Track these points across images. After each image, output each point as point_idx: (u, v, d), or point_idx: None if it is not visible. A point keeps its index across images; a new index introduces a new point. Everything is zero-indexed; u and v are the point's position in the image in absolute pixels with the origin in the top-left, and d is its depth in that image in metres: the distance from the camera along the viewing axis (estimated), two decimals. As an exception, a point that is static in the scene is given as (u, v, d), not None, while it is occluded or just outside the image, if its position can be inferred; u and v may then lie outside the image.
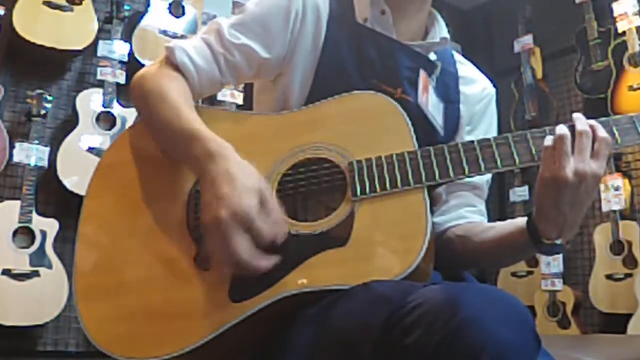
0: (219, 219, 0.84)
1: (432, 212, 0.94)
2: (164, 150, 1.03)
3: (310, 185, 0.98)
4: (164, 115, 0.99)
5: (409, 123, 0.98)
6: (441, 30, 1.19)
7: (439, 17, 1.21)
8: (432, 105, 1.13)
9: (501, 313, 0.69)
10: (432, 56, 1.18)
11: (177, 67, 1.06)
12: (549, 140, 0.91)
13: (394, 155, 0.95)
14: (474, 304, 0.69)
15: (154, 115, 1.01)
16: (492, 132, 1.23)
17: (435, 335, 0.68)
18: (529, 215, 0.98)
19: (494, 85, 1.27)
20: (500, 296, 0.72)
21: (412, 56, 1.13)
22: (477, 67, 1.28)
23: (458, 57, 1.25)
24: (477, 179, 1.15)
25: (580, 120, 0.92)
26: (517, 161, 0.93)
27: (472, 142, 0.95)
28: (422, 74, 1.13)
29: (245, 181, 0.87)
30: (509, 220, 1.05)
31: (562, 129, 0.90)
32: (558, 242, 0.94)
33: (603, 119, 0.95)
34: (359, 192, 0.93)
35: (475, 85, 1.23)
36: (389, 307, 0.74)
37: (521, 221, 1.00)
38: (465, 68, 1.25)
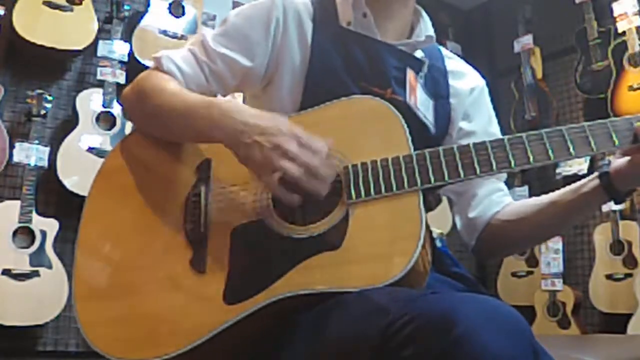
0: (275, 143, 0.88)
1: (428, 210, 0.94)
2: (175, 138, 1.05)
3: None
4: (169, 103, 1.02)
5: (405, 126, 0.98)
6: (426, 28, 1.19)
7: (424, 14, 1.21)
8: (421, 103, 1.13)
9: (498, 326, 0.68)
10: (419, 53, 1.19)
11: (165, 74, 1.08)
12: None
13: (390, 159, 0.95)
14: (470, 318, 0.68)
15: (157, 107, 1.03)
16: (493, 123, 1.24)
17: (432, 350, 0.67)
18: (602, 175, 1.01)
19: (492, 85, 1.27)
20: (497, 309, 0.71)
21: (398, 55, 1.14)
22: (476, 68, 1.29)
23: (445, 52, 1.26)
24: None
25: None
26: (513, 164, 0.93)
27: (468, 145, 0.95)
28: (409, 72, 1.13)
29: (275, 116, 0.93)
30: (567, 188, 1.09)
31: None
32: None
33: (601, 121, 0.95)
34: (353, 196, 0.93)
35: (465, 79, 1.23)
36: (385, 319, 0.73)
37: (592, 186, 1.04)
38: (454, 62, 1.25)
